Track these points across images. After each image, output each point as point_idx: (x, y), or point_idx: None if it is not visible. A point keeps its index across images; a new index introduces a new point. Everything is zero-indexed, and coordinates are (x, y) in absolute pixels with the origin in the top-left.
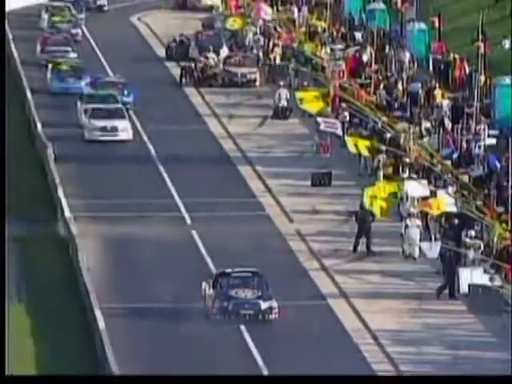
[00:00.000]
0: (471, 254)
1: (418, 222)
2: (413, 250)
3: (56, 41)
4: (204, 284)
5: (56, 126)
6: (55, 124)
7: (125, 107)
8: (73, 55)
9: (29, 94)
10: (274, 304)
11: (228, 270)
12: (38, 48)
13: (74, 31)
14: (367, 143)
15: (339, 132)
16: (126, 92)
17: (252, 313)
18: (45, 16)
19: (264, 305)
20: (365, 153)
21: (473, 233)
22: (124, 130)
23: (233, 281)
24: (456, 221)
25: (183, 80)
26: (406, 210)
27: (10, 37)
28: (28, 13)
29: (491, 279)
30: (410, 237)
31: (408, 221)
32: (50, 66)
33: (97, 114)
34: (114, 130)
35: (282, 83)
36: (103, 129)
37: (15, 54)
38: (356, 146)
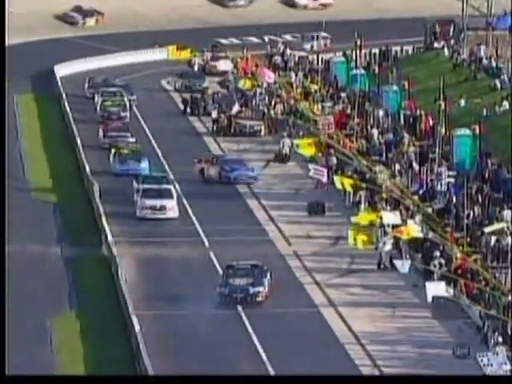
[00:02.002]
0: (435, 270)
1: (391, 240)
2: (387, 262)
3: (116, 127)
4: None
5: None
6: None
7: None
8: (131, 139)
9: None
10: (262, 289)
11: (234, 263)
12: (101, 133)
13: (123, 114)
14: (351, 181)
15: (324, 179)
16: (250, 168)
17: (242, 296)
18: (98, 100)
19: (252, 290)
20: (349, 189)
21: (437, 253)
22: (171, 208)
23: (235, 271)
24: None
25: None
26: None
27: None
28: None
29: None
30: (385, 252)
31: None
32: (113, 150)
33: (148, 193)
34: (163, 208)
35: (285, 134)
36: (153, 207)
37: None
38: (342, 183)
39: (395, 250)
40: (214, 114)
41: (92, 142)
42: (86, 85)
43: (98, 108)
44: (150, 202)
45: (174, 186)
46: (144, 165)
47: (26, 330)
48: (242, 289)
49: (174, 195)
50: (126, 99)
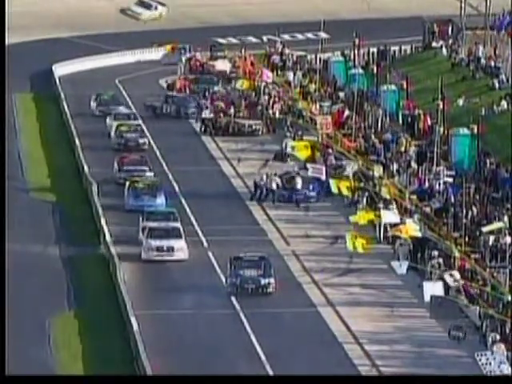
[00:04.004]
0: (433, 270)
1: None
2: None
3: (133, 160)
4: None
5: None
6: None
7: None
8: (149, 174)
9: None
10: (272, 280)
11: (241, 255)
12: (116, 167)
13: (141, 141)
14: (348, 184)
15: (323, 177)
16: (311, 187)
17: (254, 287)
18: (112, 123)
19: (263, 281)
20: (345, 192)
21: (436, 253)
22: (180, 249)
23: (243, 263)
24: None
25: (203, 129)
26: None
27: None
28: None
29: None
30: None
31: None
32: (127, 183)
33: (154, 233)
34: (171, 249)
35: (288, 134)
36: (159, 249)
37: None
38: (338, 187)
39: (393, 250)
40: (205, 114)
41: (104, 175)
42: (94, 103)
43: (113, 134)
44: (156, 243)
45: (182, 222)
46: (160, 200)
47: (25, 330)
48: (254, 279)
49: (183, 234)
50: (141, 123)
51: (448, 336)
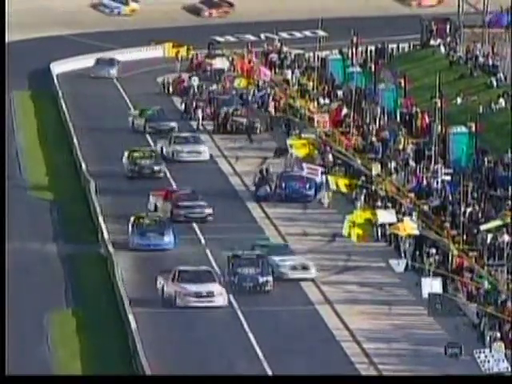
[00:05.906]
0: (431, 267)
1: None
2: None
3: (185, 196)
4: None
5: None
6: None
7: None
8: (208, 211)
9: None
10: (270, 278)
11: (239, 253)
12: (167, 205)
13: (156, 168)
14: (346, 181)
15: (318, 179)
16: (308, 185)
17: (252, 285)
18: (169, 149)
19: (261, 279)
20: (343, 189)
21: (433, 250)
22: (219, 294)
23: (241, 261)
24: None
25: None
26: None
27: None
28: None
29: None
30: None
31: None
32: (131, 219)
33: (185, 276)
34: (211, 295)
35: (293, 132)
36: (198, 294)
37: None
38: (337, 184)
39: (390, 248)
40: (201, 112)
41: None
42: (140, 120)
43: (125, 160)
44: (193, 288)
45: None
46: (168, 238)
47: (23, 328)
48: (252, 278)
49: (216, 278)
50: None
51: (444, 354)
